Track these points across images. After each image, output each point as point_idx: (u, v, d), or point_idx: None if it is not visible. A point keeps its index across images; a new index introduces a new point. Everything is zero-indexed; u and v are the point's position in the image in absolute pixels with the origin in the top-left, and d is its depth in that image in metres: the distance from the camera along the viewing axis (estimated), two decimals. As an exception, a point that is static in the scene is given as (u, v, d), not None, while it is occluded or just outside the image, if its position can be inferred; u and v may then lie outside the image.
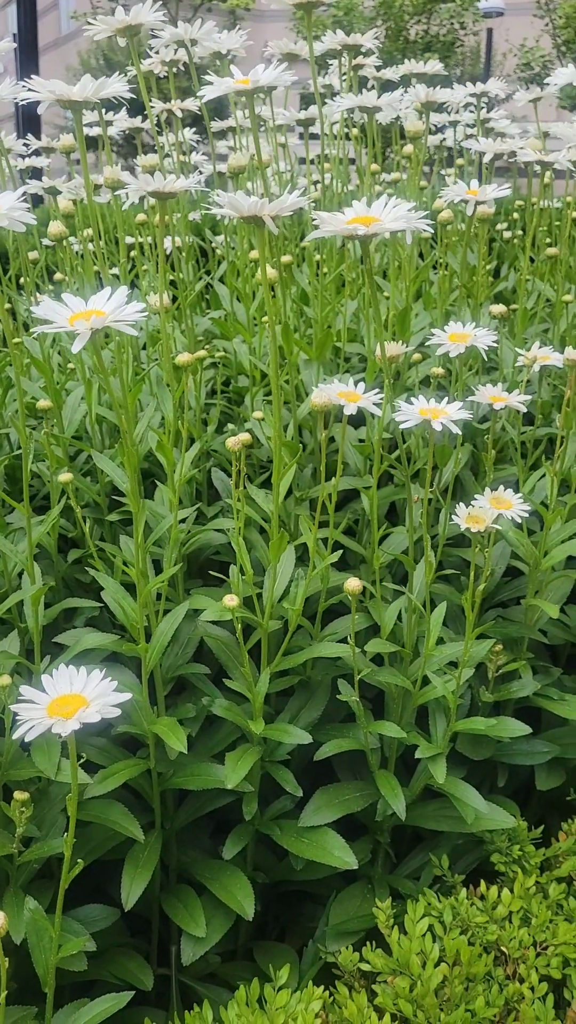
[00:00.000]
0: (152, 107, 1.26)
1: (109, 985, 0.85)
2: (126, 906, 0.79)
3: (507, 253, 1.83)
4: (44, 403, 0.89)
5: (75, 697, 0.60)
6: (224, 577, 0.86)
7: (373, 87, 1.51)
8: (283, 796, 0.90)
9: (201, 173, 1.60)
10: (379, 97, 1.06)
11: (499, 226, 1.94)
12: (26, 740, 0.56)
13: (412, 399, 0.75)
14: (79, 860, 0.62)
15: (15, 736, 0.57)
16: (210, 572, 0.89)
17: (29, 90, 0.74)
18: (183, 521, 0.89)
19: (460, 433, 0.74)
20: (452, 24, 10.04)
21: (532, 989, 0.77)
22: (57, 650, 0.85)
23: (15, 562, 0.83)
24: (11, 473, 1.03)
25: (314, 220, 0.70)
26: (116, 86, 0.75)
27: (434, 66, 1.33)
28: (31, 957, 0.69)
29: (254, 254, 1.01)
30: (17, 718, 0.57)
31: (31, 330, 0.88)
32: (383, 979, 0.78)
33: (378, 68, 1.43)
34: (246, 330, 1.07)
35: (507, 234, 1.90)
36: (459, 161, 1.70)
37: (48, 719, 0.57)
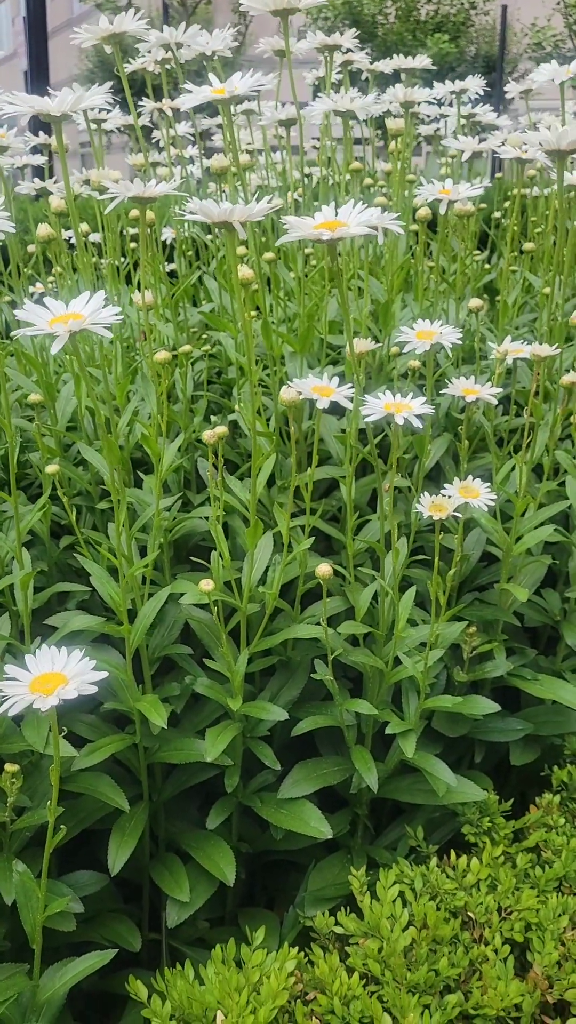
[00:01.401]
0: (142, 107, 1.30)
1: (100, 947, 0.90)
2: (112, 872, 0.84)
3: (499, 239, 1.85)
4: (35, 397, 0.93)
5: (56, 675, 0.64)
6: (208, 563, 0.90)
7: (367, 79, 1.54)
8: (265, 770, 0.94)
9: (194, 163, 1.63)
10: (371, 92, 1.08)
11: (495, 214, 1.96)
12: (10, 715, 0.61)
13: (380, 395, 0.79)
14: (62, 827, 0.67)
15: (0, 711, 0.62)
16: (195, 559, 0.93)
17: (9, 104, 0.77)
18: (168, 509, 0.93)
19: (421, 426, 0.78)
20: (463, 3, 9.96)
21: (496, 951, 0.81)
22: (49, 632, 0.89)
23: (6, 549, 0.87)
24: (6, 462, 1.07)
25: (284, 224, 0.73)
26: (95, 99, 0.78)
27: (422, 61, 1.36)
28: (20, 918, 0.74)
29: (243, 250, 1.04)
30: (1, 695, 0.62)
31: (11, 333, 0.92)
32: (355, 941, 0.82)
33: (373, 60, 1.46)
34: (232, 325, 1.11)
35: (504, 221, 1.92)
36: (452, 152, 1.72)
37: (30, 695, 0.62)
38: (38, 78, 6.33)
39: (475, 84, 1.29)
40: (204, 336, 1.29)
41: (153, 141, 2.21)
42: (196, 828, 0.97)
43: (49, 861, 0.87)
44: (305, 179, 1.20)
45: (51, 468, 0.84)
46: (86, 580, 0.99)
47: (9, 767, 0.77)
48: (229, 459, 1.10)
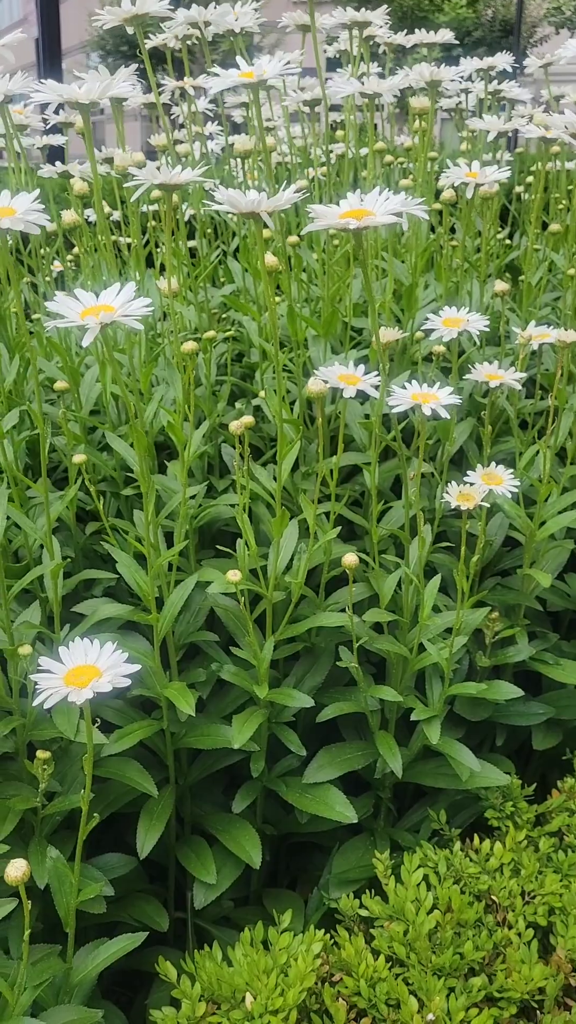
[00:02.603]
0: (163, 85, 1.28)
1: (128, 927, 0.92)
2: (141, 855, 0.85)
3: (522, 216, 1.83)
4: (61, 384, 0.93)
5: (89, 668, 0.65)
6: (233, 551, 0.90)
7: (385, 52, 1.52)
8: (290, 755, 0.95)
9: (213, 139, 1.62)
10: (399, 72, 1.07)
11: (516, 189, 1.93)
12: (45, 707, 0.61)
13: (406, 384, 0.78)
14: (95, 814, 0.68)
15: (34, 703, 0.63)
16: (220, 546, 0.94)
17: (38, 92, 0.77)
18: (193, 497, 0.93)
19: (448, 417, 0.78)
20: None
21: (519, 935, 0.82)
22: (76, 618, 0.90)
23: (35, 537, 0.88)
24: (31, 447, 1.08)
25: (310, 213, 0.73)
26: (123, 86, 0.77)
27: (444, 35, 1.34)
28: (54, 901, 0.76)
29: (267, 233, 1.04)
30: (37, 687, 0.63)
31: (45, 324, 0.92)
32: (380, 924, 0.84)
33: (389, 27, 1.43)
34: (255, 309, 1.11)
35: (525, 196, 1.89)
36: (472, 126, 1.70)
37: (64, 688, 0.63)
38: (50, 46, 6.25)
39: (503, 60, 1.27)
40: (224, 316, 1.29)
41: (171, 117, 2.18)
42: (221, 811, 0.98)
43: (76, 845, 0.89)
44: (325, 156, 1.19)
45: (79, 458, 0.84)
46: (111, 566, 1.00)
47: (41, 754, 0.78)
48: (252, 444, 1.10)
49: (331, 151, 1.35)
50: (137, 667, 0.65)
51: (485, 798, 0.95)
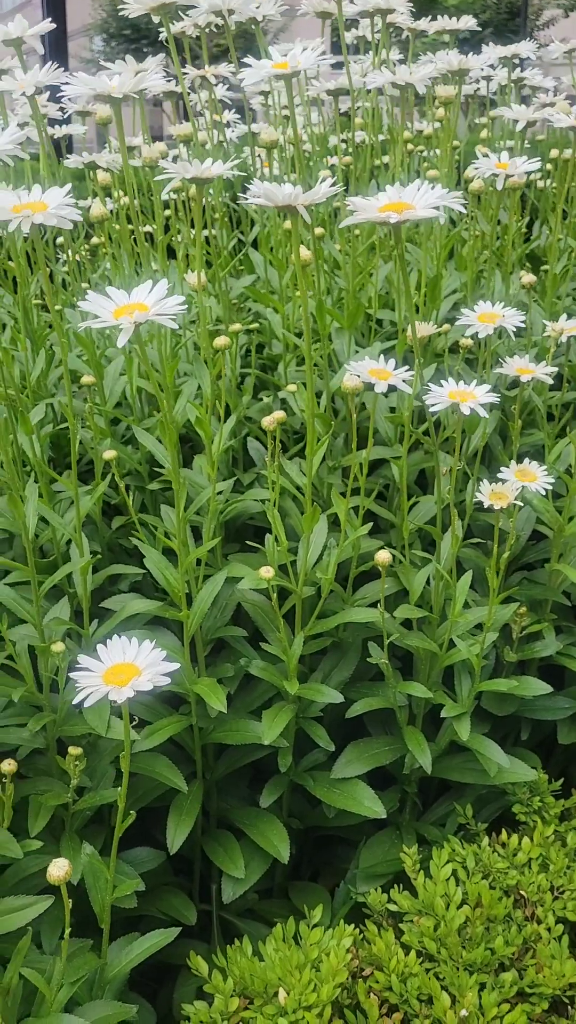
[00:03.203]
0: (185, 74, 1.27)
1: (155, 919, 0.92)
2: (171, 850, 0.85)
3: (542, 204, 1.82)
4: (88, 379, 0.93)
5: (128, 666, 0.65)
6: (260, 546, 0.90)
7: (407, 37, 1.50)
8: (316, 749, 0.95)
9: (232, 128, 1.61)
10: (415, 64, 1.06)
11: (533, 176, 1.92)
12: (85, 706, 0.61)
13: (442, 382, 0.78)
14: (131, 812, 0.68)
15: (74, 702, 0.62)
16: (248, 542, 0.94)
17: (69, 85, 0.76)
18: (220, 492, 0.93)
19: (486, 416, 0.77)
20: None
21: (549, 930, 0.82)
22: (103, 613, 0.90)
23: (62, 531, 0.88)
24: (55, 440, 1.07)
25: (348, 206, 0.72)
26: (155, 80, 0.76)
27: (467, 22, 1.32)
28: (88, 896, 0.76)
29: (287, 224, 1.03)
30: (77, 686, 0.63)
31: (79, 325, 0.91)
32: (409, 919, 0.84)
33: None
34: (279, 300, 1.10)
35: (540, 184, 1.88)
36: (492, 113, 1.68)
37: (104, 687, 0.63)
38: (55, 29, 6.22)
39: (526, 48, 1.26)
40: (243, 306, 1.28)
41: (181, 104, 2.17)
42: (246, 804, 0.98)
43: (107, 839, 0.89)
44: (351, 147, 1.18)
45: (109, 453, 0.84)
46: (137, 560, 1.00)
47: (73, 750, 0.78)
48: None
49: (348, 139, 1.34)
50: (176, 665, 0.64)
51: (512, 792, 0.95)
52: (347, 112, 1.56)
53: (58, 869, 0.59)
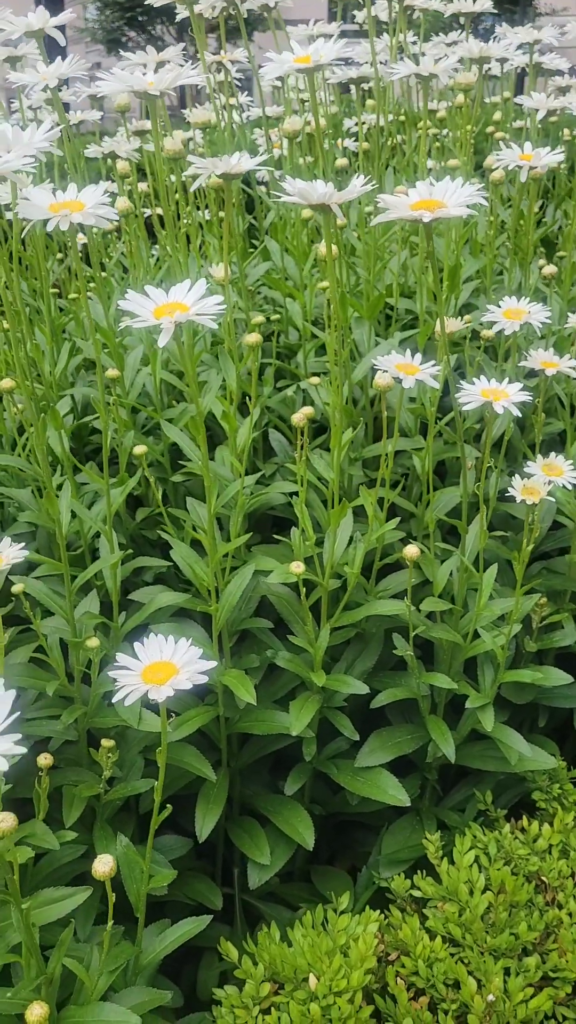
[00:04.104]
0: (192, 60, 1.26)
1: (181, 904, 0.94)
2: (200, 838, 0.87)
3: (556, 190, 1.81)
4: (113, 372, 0.93)
5: (165, 664, 0.66)
6: (283, 538, 0.91)
7: (419, 16, 1.49)
8: (338, 737, 0.97)
9: (245, 112, 1.60)
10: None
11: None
12: (124, 704, 0.62)
13: (474, 380, 0.78)
14: (168, 806, 0.69)
15: (114, 700, 0.63)
16: (263, 530, 0.94)
17: (105, 82, 0.75)
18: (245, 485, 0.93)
19: (519, 415, 0.78)
20: None
21: (570, 915, 0.84)
22: (129, 604, 0.91)
23: (90, 524, 0.88)
24: (76, 432, 1.08)
25: (378, 203, 0.72)
26: (193, 75, 0.76)
27: (484, 3, 1.31)
28: (123, 886, 0.77)
29: (307, 213, 1.03)
30: (116, 684, 0.63)
31: (119, 324, 0.91)
32: (433, 904, 0.85)
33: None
34: (297, 289, 1.10)
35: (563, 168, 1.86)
36: (506, 95, 1.67)
37: (143, 685, 0.63)
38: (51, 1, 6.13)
39: (548, 34, 1.25)
40: (257, 291, 1.27)
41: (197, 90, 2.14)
42: (268, 791, 1.00)
43: (136, 827, 0.91)
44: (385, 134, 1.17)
45: (139, 449, 0.84)
46: (159, 551, 1.01)
47: (106, 743, 0.79)
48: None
49: (364, 123, 1.33)
50: (213, 663, 0.65)
51: (532, 779, 0.97)
52: (348, 87, 1.54)
53: (103, 865, 0.60)
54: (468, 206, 0.69)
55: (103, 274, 1.21)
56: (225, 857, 1.04)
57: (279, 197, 0.67)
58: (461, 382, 0.78)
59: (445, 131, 1.51)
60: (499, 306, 0.87)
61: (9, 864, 0.57)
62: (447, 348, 0.75)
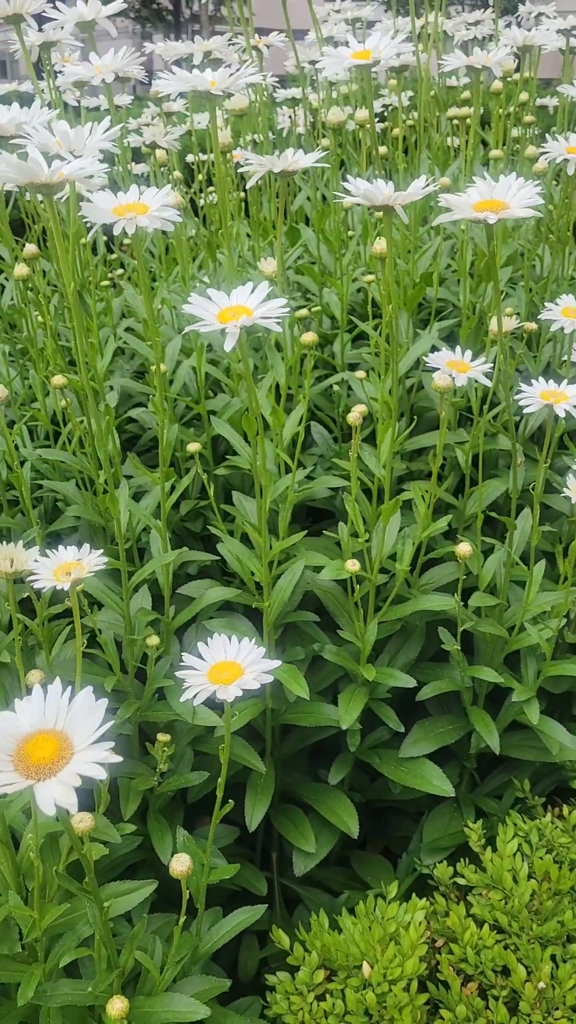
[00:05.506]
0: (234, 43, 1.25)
1: (226, 890, 0.96)
2: (250, 828, 0.88)
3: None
4: (162, 367, 0.93)
5: (231, 664, 0.67)
6: (330, 533, 0.92)
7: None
8: (380, 727, 0.98)
9: (275, 91, 1.59)
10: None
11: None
12: (194, 704, 0.63)
13: (533, 381, 0.78)
14: (230, 801, 0.71)
15: (181, 699, 0.64)
16: (314, 526, 0.95)
17: (165, 81, 0.75)
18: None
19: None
20: None
21: (613, 903, 0.86)
22: (181, 600, 0.91)
23: (139, 518, 0.89)
24: (118, 426, 1.08)
25: (441, 203, 0.72)
26: (254, 75, 0.75)
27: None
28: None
29: (348, 202, 1.02)
30: (184, 684, 0.64)
31: (184, 329, 0.91)
32: (477, 892, 0.87)
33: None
34: (335, 279, 1.10)
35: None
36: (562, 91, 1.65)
37: (211, 685, 0.64)
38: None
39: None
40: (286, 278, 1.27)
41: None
42: (308, 779, 1.01)
43: (183, 817, 0.92)
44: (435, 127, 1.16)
45: (193, 447, 0.85)
46: (202, 544, 1.01)
47: (162, 737, 0.80)
48: (340, 422, 1.09)
49: (394, 107, 1.32)
50: (277, 663, 0.66)
51: (570, 769, 0.98)
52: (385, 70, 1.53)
53: (180, 864, 0.61)
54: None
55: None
56: (265, 843, 1.05)
57: (341, 198, 0.66)
58: (521, 385, 0.78)
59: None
60: (556, 303, 0.87)
61: (86, 860, 0.59)
62: (504, 349, 0.76)
